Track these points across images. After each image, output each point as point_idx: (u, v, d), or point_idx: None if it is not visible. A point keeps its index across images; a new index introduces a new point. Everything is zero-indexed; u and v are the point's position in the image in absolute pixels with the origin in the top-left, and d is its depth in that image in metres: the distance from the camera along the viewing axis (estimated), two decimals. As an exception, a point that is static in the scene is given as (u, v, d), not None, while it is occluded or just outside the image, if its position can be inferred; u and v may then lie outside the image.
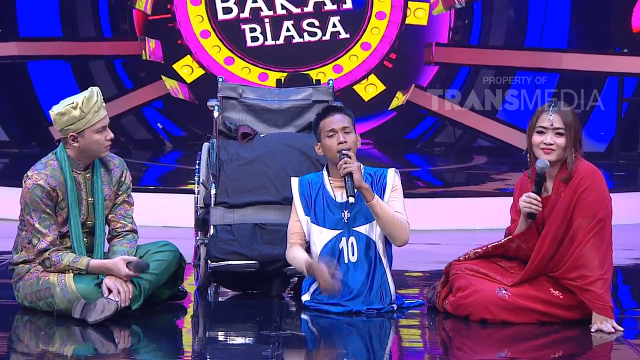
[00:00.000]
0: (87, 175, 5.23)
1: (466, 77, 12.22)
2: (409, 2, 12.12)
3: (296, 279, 5.67)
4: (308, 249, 5.38)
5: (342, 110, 5.42)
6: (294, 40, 12.14)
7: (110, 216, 5.30)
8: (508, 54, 11.92)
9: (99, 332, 4.87)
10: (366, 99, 12.29)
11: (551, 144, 5.03)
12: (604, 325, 4.90)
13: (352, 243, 5.30)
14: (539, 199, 5.01)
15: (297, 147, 5.77)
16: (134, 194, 5.42)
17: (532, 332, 4.94)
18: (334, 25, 12.13)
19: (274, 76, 11.97)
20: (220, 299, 5.79)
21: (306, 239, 5.39)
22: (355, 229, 5.31)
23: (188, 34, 12.18)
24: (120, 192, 5.33)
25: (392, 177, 5.38)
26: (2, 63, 11.87)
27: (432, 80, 12.28)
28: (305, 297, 5.35)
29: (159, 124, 12.62)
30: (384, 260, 5.32)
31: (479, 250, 5.29)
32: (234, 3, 12.08)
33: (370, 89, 12.30)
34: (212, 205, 5.70)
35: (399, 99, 12.11)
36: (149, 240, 5.43)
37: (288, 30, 12.14)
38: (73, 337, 4.87)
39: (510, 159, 11.25)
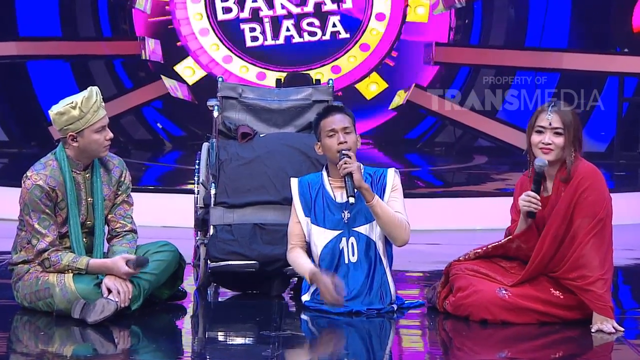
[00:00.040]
0: (87, 175, 5.23)
1: (466, 77, 12.21)
2: (409, 0, 12.12)
3: (296, 279, 5.67)
4: (308, 250, 5.38)
5: (343, 110, 5.41)
6: (294, 40, 12.13)
7: (109, 216, 5.30)
8: (508, 53, 11.91)
9: (99, 333, 4.86)
10: (368, 98, 12.29)
11: (549, 144, 5.03)
12: (604, 325, 4.89)
13: (352, 243, 5.29)
14: (538, 197, 5.00)
15: (297, 147, 5.76)
16: (133, 194, 5.41)
17: (533, 333, 4.94)
18: (334, 25, 12.13)
19: (272, 76, 11.97)
20: (220, 299, 5.78)
21: (306, 240, 5.38)
22: (355, 229, 5.30)
23: (187, 32, 12.17)
24: (119, 192, 5.32)
25: (392, 177, 5.38)
26: (1, 63, 11.87)
27: (432, 80, 12.27)
28: (305, 297, 5.35)
29: (158, 124, 12.62)
30: (384, 261, 5.31)
31: (479, 250, 5.28)
32: (234, 3, 12.08)
33: (372, 87, 12.30)
34: (212, 205, 5.69)
35: (400, 97, 12.10)
36: (149, 240, 5.42)
37: (288, 30, 12.13)
38: (72, 337, 4.86)
39: (510, 159, 11.24)
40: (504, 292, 5.05)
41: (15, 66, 11.97)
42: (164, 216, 8.13)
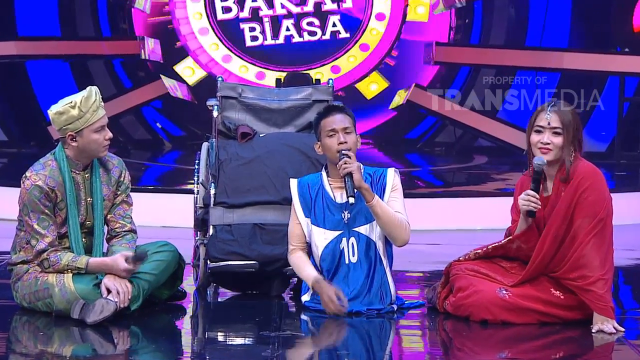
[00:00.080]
0: (86, 175, 5.21)
1: (466, 77, 12.21)
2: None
3: (296, 279, 5.66)
4: (309, 251, 5.36)
5: (344, 110, 5.39)
6: (294, 40, 12.12)
7: (109, 216, 5.29)
8: (508, 53, 11.91)
9: (98, 333, 4.85)
10: (369, 97, 12.28)
11: (548, 143, 5.02)
12: (605, 325, 4.88)
13: (352, 243, 5.28)
14: (538, 196, 4.99)
15: (296, 147, 5.75)
16: (133, 194, 5.40)
17: (533, 333, 4.93)
18: (334, 25, 12.12)
19: (271, 75, 11.96)
20: (219, 300, 5.77)
21: (307, 241, 5.37)
22: (355, 229, 5.29)
23: (186, 31, 12.16)
24: (119, 192, 5.31)
25: (392, 177, 5.36)
26: (0, 62, 11.85)
27: (432, 79, 12.26)
28: (305, 298, 5.34)
29: (158, 124, 12.61)
30: (384, 261, 5.30)
31: (479, 251, 5.27)
32: (234, 2, 12.07)
33: (372, 86, 12.30)
34: (212, 205, 5.68)
35: (400, 97, 12.09)
36: (148, 240, 5.41)
37: (288, 29, 12.12)
38: (72, 337, 4.85)
39: (511, 158, 11.23)
40: (504, 292, 5.04)
41: (15, 66, 11.96)
42: (164, 216, 8.12)
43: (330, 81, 6.14)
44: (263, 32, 12.11)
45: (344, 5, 12.09)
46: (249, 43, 12.12)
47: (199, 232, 5.81)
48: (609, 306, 4.92)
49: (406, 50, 12.25)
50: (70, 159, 5.17)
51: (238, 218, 5.63)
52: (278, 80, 9.61)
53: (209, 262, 5.57)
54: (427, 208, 8.49)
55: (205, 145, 5.90)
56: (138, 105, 12.26)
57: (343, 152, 5.23)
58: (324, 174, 5.39)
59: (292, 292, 5.71)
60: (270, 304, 5.48)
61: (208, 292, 5.81)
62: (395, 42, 12.19)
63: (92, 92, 5.13)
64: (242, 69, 12.15)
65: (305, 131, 5.93)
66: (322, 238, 5.30)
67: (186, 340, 5.10)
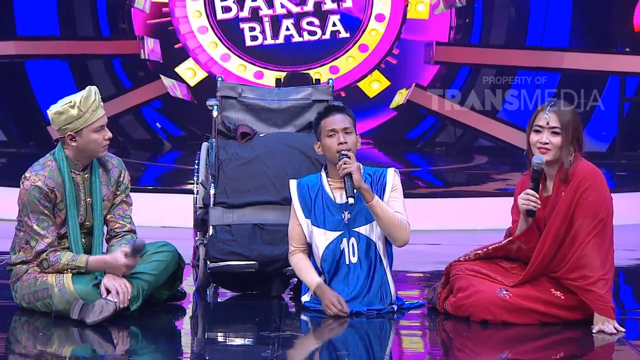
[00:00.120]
0: (86, 175, 5.21)
1: (467, 77, 12.20)
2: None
3: (296, 279, 5.65)
4: (309, 252, 5.35)
5: (344, 110, 5.38)
6: (294, 40, 12.12)
7: (108, 216, 5.28)
8: (509, 53, 11.91)
9: (98, 333, 4.85)
10: (371, 96, 12.28)
11: (547, 143, 5.01)
12: (605, 326, 4.88)
13: (352, 244, 5.27)
14: (537, 195, 4.98)
15: (296, 147, 5.74)
16: (132, 194, 5.40)
17: (533, 333, 4.92)
18: (334, 25, 12.11)
19: (270, 75, 11.96)
20: (219, 300, 5.77)
21: (307, 242, 5.36)
22: (355, 229, 5.28)
23: (186, 30, 12.16)
24: (118, 192, 5.30)
25: (392, 177, 5.35)
26: (-1, 62, 11.87)
27: (433, 79, 12.26)
28: (305, 298, 5.33)
29: (157, 124, 12.61)
30: (384, 261, 5.29)
31: (479, 251, 5.26)
32: (234, 2, 12.06)
33: (374, 85, 12.29)
34: (211, 206, 5.67)
35: (401, 96, 12.09)
36: (148, 240, 5.39)
37: (287, 29, 12.12)
38: (71, 338, 4.85)
39: (511, 158, 11.24)
40: (504, 292, 5.03)
41: (14, 66, 11.96)
42: (163, 216, 8.12)
43: (330, 81, 6.13)
44: (263, 31, 12.11)
45: (344, 5, 12.08)
46: (248, 43, 12.12)
47: (198, 232, 5.80)
48: (610, 306, 4.91)
49: (406, 49, 12.25)
50: (70, 159, 5.16)
51: (238, 218, 5.62)
52: (278, 80, 9.62)
53: (208, 262, 5.57)
54: (427, 208, 8.49)
55: (204, 145, 5.89)
56: (137, 105, 12.26)
57: (343, 152, 5.22)
58: (323, 174, 5.38)
59: (292, 293, 5.71)
60: (270, 304, 5.47)
61: (208, 292, 5.80)
62: (395, 42, 12.18)
63: (92, 92, 5.12)
64: (241, 68, 12.15)
65: (305, 131, 5.93)
66: (322, 239, 5.29)
67: (186, 340, 5.09)
